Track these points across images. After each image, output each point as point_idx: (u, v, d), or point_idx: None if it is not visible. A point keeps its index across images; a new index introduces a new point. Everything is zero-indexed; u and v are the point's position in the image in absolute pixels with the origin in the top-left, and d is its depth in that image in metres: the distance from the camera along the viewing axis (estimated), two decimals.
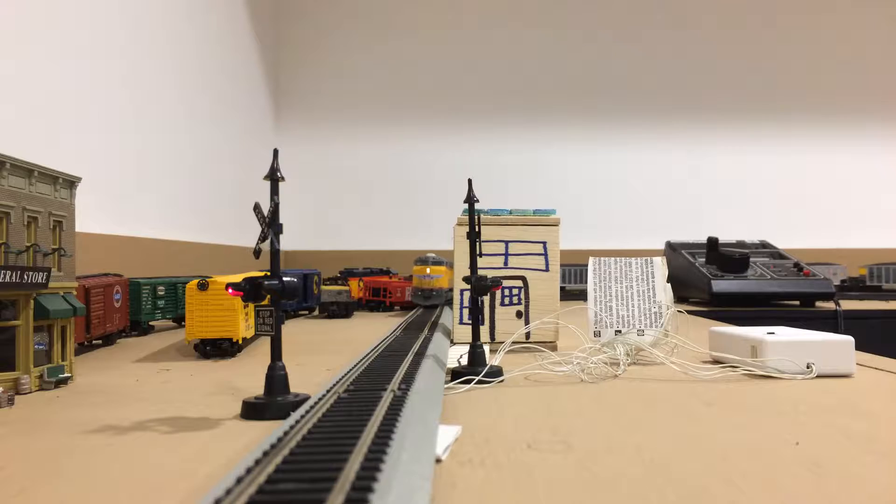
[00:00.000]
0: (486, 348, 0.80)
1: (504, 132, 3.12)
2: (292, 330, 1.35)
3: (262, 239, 0.56)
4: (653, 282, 0.93)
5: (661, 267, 0.94)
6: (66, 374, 0.73)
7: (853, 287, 2.51)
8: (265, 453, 0.35)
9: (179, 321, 1.38)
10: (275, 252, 0.58)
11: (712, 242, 2.07)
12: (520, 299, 1.01)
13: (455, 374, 0.72)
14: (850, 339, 0.77)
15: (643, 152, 3.14)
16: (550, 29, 3.16)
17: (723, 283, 1.94)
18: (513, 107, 3.13)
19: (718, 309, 1.88)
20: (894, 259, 2.62)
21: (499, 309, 1.00)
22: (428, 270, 1.50)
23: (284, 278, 0.57)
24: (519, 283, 1.01)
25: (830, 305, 1.92)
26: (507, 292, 1.01)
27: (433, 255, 1.55)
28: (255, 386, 0.62)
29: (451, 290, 1.33)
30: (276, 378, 0.57)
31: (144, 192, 1.82)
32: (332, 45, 3.12)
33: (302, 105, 3.12)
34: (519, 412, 0.59)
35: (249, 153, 2.68)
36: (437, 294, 1.51)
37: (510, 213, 1.03)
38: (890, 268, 2.44)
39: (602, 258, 0.96)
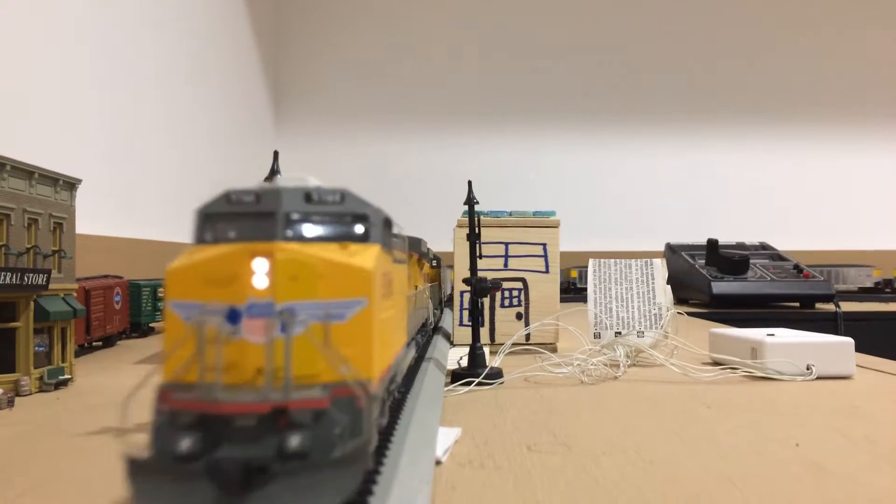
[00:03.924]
0: (486, 350, 0.80)
1: (504, 133, 3.12)
2: None
3: None
4: (653, 283, 0.93)
5: (660, 269, 0.94)
6: (66, 376, 0.73)
7: None
8: None
9: None
10: None
11: (712, 244, 2.07)
12: (520, 301, 1.01)
13: (455, 376, 0.72)
14: (850, 340, 0.77)
15: (643, 154, 3.14)
16: (550, 30, 3.16)
17: (723, 284, 1.94)
18: (513, 107, 3.13)
19: (718, 311, 1.88)
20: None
21: (499, 310, 1.00)
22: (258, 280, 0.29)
23: None
24: (519, 284, 1.01)
25: (830, 307, 1.92)
26: (507, 294, 1.01)
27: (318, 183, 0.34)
28: None
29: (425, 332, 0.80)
30: None
31: (144, 194, 1.82)
32: (332, 45, 3.12)
33: (302, 105, 3.12)
34: (519, 414, 0.59)
35: (249, 153, 2.68)
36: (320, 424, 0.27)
37: (510, 214, 1.03)
38: (824, 270, 2.42)
39: (602, 260, 0.96)
